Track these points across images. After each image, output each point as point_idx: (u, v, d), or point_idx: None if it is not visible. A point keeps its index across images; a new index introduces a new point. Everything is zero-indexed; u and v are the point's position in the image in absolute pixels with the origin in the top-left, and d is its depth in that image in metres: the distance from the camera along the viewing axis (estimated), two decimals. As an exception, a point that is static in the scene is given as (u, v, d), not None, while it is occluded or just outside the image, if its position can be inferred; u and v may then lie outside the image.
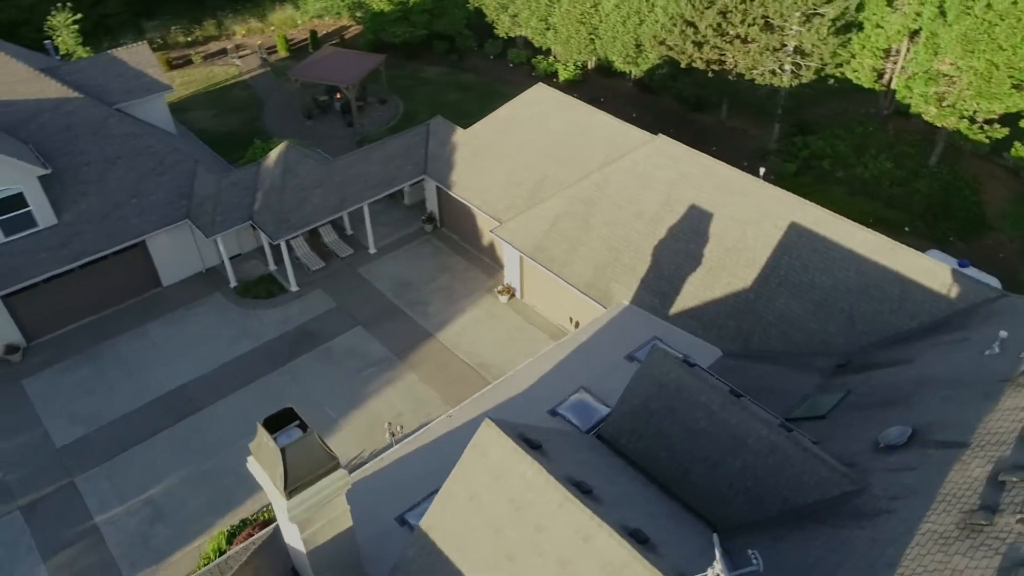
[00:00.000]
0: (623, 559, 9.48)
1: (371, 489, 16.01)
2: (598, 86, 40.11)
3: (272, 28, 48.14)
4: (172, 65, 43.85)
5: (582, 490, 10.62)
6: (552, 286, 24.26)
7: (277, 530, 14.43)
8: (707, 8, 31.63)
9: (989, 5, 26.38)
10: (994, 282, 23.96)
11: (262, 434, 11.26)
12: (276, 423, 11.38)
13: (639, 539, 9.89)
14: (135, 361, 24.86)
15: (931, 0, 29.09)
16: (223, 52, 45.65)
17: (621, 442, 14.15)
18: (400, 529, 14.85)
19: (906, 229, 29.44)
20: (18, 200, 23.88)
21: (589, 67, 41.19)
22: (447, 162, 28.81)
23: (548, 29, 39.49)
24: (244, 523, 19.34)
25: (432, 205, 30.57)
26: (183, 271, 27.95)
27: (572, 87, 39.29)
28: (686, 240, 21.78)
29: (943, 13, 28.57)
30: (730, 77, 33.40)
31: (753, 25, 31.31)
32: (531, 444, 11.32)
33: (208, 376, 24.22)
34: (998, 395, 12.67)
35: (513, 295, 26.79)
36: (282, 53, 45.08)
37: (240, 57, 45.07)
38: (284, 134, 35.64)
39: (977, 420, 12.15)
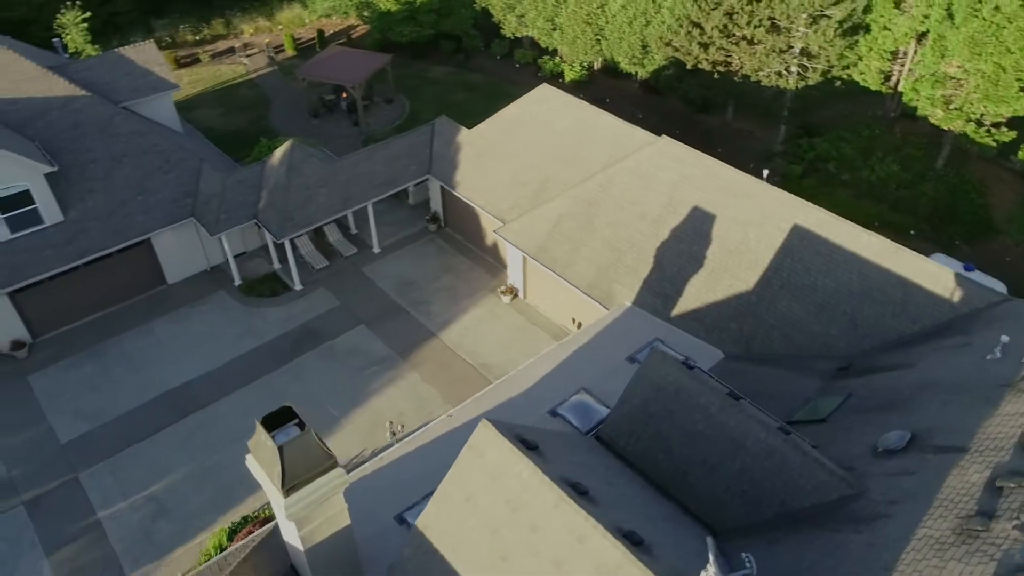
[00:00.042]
0: (617, 560, 9.49)
1: (370, 488, 16.07)
2: (604, 87, 40.10)
3: (280, 27, 48.32)
4: (180, 63, 44.08)
5: (578, 491, 10.64)
6: (555, 287, 24.28)
7: (277, 527, 14.49)
8: (713, 9, 31.59)
9: (997, 8, 26.24)
10: (1000, 286, 23.86)
11: (260, 432, 11.32)
12: (274, 421, 11.43)
13: (634, 541, 9.90)
14: (140, 358, 25.01)
15: (939, 2, 28.95)
16: (231, 51, 45.85)
17: (619, 444, 14.16)
18: (399, 528, 14.89)
19: (912, 232, 29.32)
20: (25, 197, 24.06)
21: (595, 68, 41.18)
22: (451, 162, 28.86)
23: (554, 29, 39.51)
24: (245, 520, 19.43)
25: (436, 205, 30.63)
26: (188, 269, 28.10)
27: (578, 87, 39.29)
28: (689, 241, 21.76)
29: (951, 15, 28.43)
30: (736, 78, 33.34)
31: (759, 27, 31.25)
32: (527, 445, 11.34)
33: (212, 373, 24.35)
34: (999, 400, 12.62)
35: (516, 295, 26.82)
36: (289, 52, 45.25)
37: (248, 56, 45.26)
38: (290, 133, 35.76)
39: (977, 425, 12.11)
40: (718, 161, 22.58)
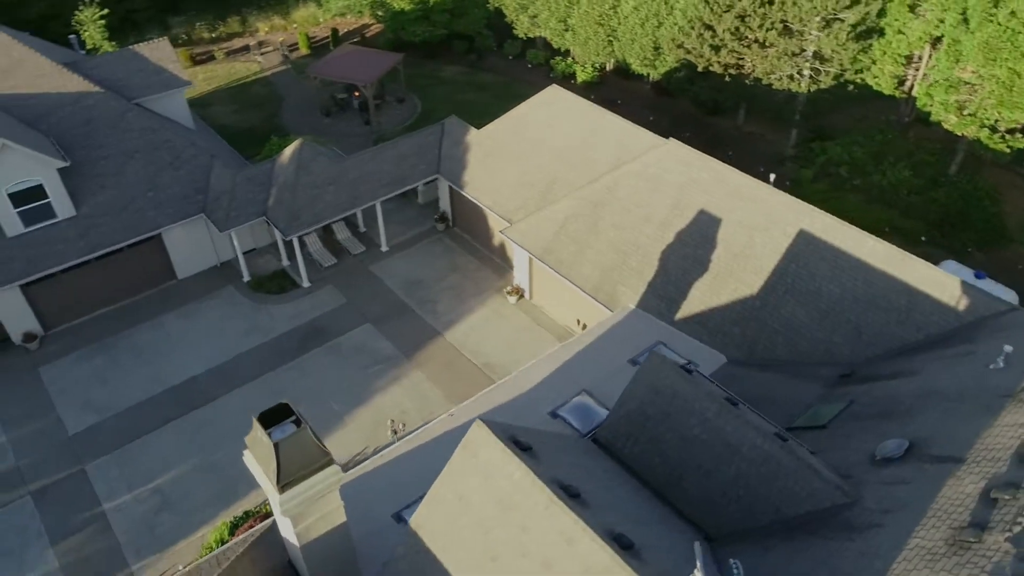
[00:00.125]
0: (605, 563, 9.51)
1: (369, 486, 16.20)
2: (616, 88, 40.03)
3: (295, 25, 48.63)
4: (195, 61, 44.49)
5: (569, 493, 10.66)
6: (560, 288, 24.29)
7: (276, 523, 14.62)
8: (725, 12, 31.44)
9: (1013, 13, 25.93)
10: (1011, 295, 23.57)
11: (257, 428, 11.46)
12: (271, 418, 11.57)
13: (623, 544, 9.91)
14: (149, 352, 25.30)
15: (954, 7, 28.66)
16: (245, 49, 46.19)
17: (616, 446, 14.17)
18: (397, 526, 15.00)
19: (923, 239, 29.06)
20: (38, 191, 24.41)
21: (607, 69, 41.12)
22: (460, 162, 28.94)
23: (567, 30, 39.49)
24: (247, 515, 19.61)
25: (445, 204, 30.73)
26: (198, 264, 28.38)
27: (590, 89, 39.27)
28: (694, 245, 21.70)
29: (966, 20, 28.13)
30: (747, 81, 33.18)
31: (771, 29, 31.08)
32: (521, 446, 11.38)
33: (219, 368, 24.59)
34: (999, 410, 12.52)
35: (522, 296, 26.85)
36: (303, 50, 45.52)
37: (262, 54, 45.59)
38: (302, 131, 35.99)
39: (975, 435, 12.02)
40: (725, 164, 22.50)
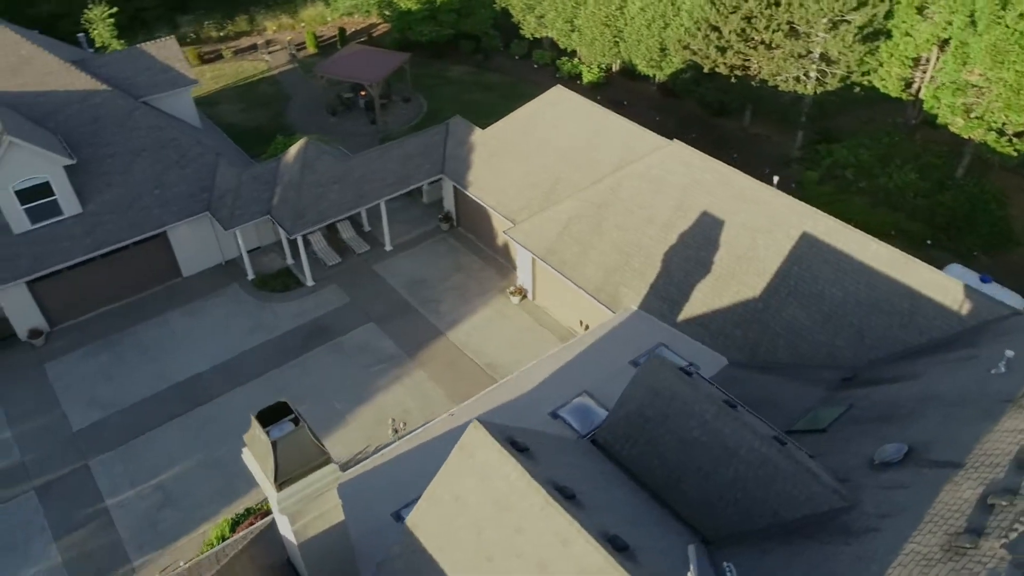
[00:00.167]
0: (599, 565, 9.53)
1: (369, 484, 16.25)
2: (622, 89, 40.01)
3: (302, 25, 48.79)
4: (203, 59, 44.69)
5: (565, 495, 10.68)
6: (563, 289, 24.30)
7: (275, 521, 14.69)
8: (732, 13, 31.38)
9: (1021, 15, 25.77)
10: (1017, 299, 23.44)
11: (255, 426, 11.53)
12: (270, 416, 11.63)
13: (618, 546, 9.92)
14: (154, 349, 25.44)
15: (962, 9, 28.50)
16: (253, 47, 46.38)
17: (615, 448, 14.17)
18: (396, 525, 15.03)
19: (928, 242, 28.92)
20: (44, 189, 24.58)
21: (613, 70, 41.08)
22: (464, 162, 28.98)
23: (573, 31, 39.49)
24: (248, 512, 19.71)
25: (449, 204, 30.78)
26: (203, 262, 28.51)
27: (596, 89, 39.27)
28: (697, 247, 21.67)
29: (973, 22, 27.98)
30: (754, 83, 33.11)
31: (778, 31, 30.99)
32: (518, 447, 11.41)
33: (223, 366, 24.71)
34: (999, 415, 12.46)
35: (525, 296, 26.87)
36: (311, 50, 45.67)
37: (269, 53, 45.76)
38: (308, 130, 36.10)
39: (975, 440, 11.96)
40: (728, 166, 22.45)
